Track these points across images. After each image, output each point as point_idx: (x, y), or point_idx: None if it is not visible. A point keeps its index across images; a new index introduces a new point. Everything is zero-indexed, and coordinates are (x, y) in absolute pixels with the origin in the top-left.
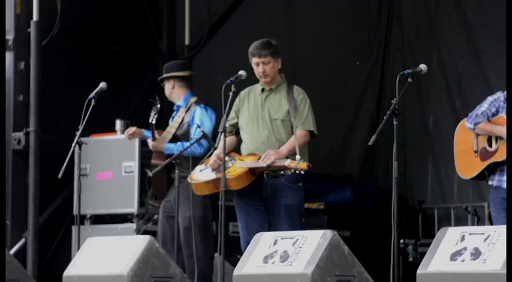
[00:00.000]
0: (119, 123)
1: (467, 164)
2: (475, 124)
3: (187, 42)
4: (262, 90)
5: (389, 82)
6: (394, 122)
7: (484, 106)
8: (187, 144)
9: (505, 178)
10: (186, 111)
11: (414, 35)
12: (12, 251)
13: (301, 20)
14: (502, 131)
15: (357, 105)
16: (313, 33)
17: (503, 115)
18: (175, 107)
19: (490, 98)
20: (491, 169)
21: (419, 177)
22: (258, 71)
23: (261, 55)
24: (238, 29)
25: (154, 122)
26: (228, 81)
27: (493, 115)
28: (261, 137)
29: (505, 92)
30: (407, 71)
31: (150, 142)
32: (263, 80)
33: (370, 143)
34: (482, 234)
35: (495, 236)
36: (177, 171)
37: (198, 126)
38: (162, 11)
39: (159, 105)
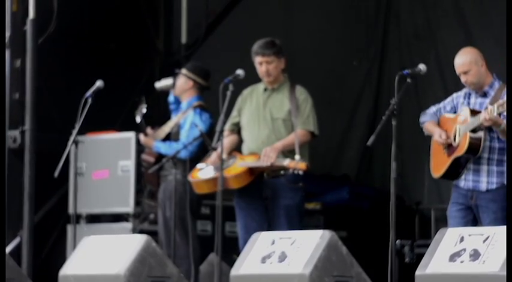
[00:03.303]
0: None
1: (438, 162)
2: (422, 123)
3: (184, 40)
4: (265, 89)
5: (387, 82)
6: (393, 123)
7: (440, 104)
8: (174, 144)
9: (462, 177)
10: (184, 113)
11: (412, 35)
12: (7, 250)
13: (298, 19)
14: (436, 134)
15: (354, 105)
16: (310, 32)
17: (444, 115)
18: (177, 106)
19: (454, 95)
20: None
21: (416, 177)
22: (261, 70)
23: (264, 54)
24: (235, 28)
25: (139, 120)
26: (226, 80)
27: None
28: (261, 136)
29: (467, 89)
30: (406, 71)
31: (141, 137)
32: (266, 79)
33: (369, 144)
34: (482, 235)
35: (494, 237)
36: (173, 170)
37: (196, 126)
38: (159, 9)
39: (144, 107)
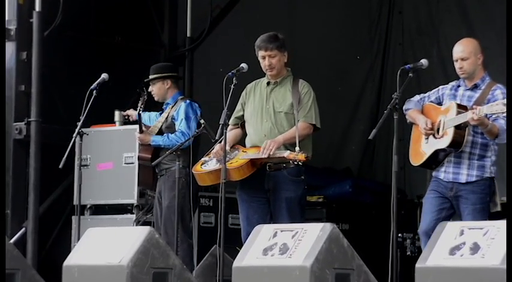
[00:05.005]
0: (117, 115)
1: (418, 150)
2: (406, 110)
3: (188, 34)
4: (268, 83)
5: (390, 76)
6: (395, 117)
7: (426, 94)
8: (172, 135)
9: (442, 169)
10: (172, 107)
11: (415, 30)
12: (12, 240)
13: (302, 13)
14: (421, 121)
15: (357, 99)
16: (314, 27)
17: (429, 103)
18: (164, 105)
19: (440, 87)
20: (439, 160)
21: (418, 171)
22: (264, 64)
23: (267, 48)
24: (239, 21)
25: (141, 112)
26: (230, 73)
27: (431, 103)
28: (264, 130)
29: (455, 82)
30: (408, 65)
31: (137, 134)
32: (269, 73)
33: (370, 137)
34: (481, 229)
35: (494, 231)
36: (177, 162)
37: (199, 119)
38: (164, 3)
39: (146, 96)
